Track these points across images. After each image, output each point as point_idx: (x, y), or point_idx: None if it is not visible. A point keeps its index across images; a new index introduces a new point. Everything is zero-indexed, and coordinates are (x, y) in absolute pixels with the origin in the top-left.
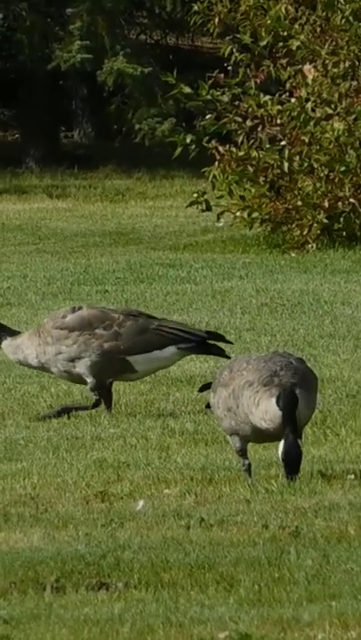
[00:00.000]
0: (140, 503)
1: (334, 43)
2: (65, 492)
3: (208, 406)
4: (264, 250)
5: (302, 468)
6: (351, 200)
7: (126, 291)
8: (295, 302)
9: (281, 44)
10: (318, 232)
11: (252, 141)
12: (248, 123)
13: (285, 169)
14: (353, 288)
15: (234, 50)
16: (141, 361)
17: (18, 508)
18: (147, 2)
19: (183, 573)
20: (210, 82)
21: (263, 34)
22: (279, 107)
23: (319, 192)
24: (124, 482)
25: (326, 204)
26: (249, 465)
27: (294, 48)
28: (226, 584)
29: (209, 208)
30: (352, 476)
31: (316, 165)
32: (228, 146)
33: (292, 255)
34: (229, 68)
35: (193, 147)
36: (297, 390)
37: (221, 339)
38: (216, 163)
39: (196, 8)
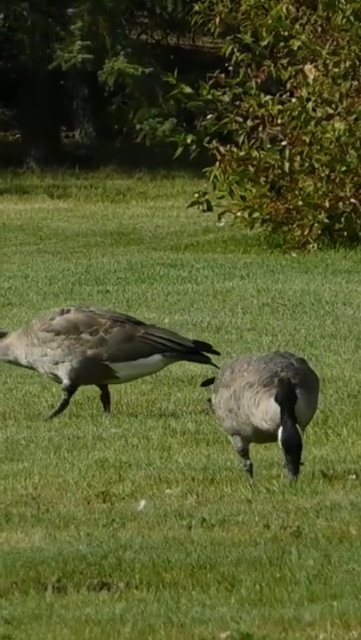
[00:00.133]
0: (142, 503)
1: (335, 42)
2: (66, 492)
3: (209, 401)
4: (265, 250)
5: (304, 468)
6: (352, 200)
7: (128, 291)
8: (296, 302)
9: (282, 43)
10: (319, 232)
11: (252, 141)
12: (249, 123)
13: (286, 169)
14: (354, 288)
15: (235, 50)
16: (125, 367)
17: (19, 508)
18: (148, 2)
19: (185, 573)
20: (211, 82)
21: (264, 34)
22: (280, 107)
23: (320, 192)
24: (126, 482)
25: (327, 204)
26: (250, 465)
27: (295, 48)
28: (227, 584)
29: (210, 208)
30: (354, 476)
31: (316, 165)
32: (228, 146)
33: (294, 255)
34: (230, 67)
35: (194, 147)
36: (297, 390)
37: (209, 349)
38: (217, 163)
39: (196, 8)
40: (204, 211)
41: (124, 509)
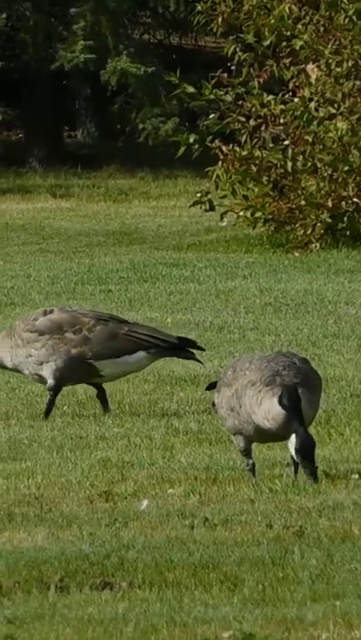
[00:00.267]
0: (144, 503)
1: (338, 42)
2: (69, 491)
3: (213, 404)
4: (267, 249)
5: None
6: (355, 199)
7: (130, 290)
8: (299, 302)
9: (284, 43)
10: (322, 232)
11: (255, 141)
12: (251, 122)
13: (289, 168)
14: (357, 288)
15: (237, 49)
16: (109, 365)
17: (22, 507)
18: (150, 1)
19: (187, 573)
20: (213, 81)
21: (266, 33)
22: (282, 106)
23: (323, 192)
24: (128, 481)
25: (330, 204)
26: (253, 465)
27: (298, 47)
28: (230, 583)
29: (212, 208)
30: (356, 476)
31: (319, 165)
32: (231, 145)
33: (296, 255)
34: (233, 67)
35: (196, 146)
36: (299, 390)
37: (193, 345)
38: (219, 162)
39: (199, 8)
40: (206, 210)
41: (126, 509)
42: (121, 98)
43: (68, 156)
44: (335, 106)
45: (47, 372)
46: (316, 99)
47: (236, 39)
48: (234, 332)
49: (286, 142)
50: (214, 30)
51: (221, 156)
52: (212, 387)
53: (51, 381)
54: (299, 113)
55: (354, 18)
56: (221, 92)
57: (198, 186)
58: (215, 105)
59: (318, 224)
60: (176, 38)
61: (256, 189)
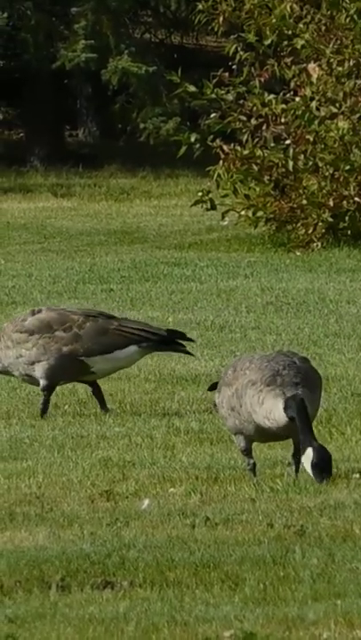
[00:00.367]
0: (146, 502)
1: (339, 41)
2: (70, 490)
3: (215, 404)
4: (269, 249)
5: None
6: (356, 199)
7: (131, 289)
8: (300, 301)
9: (286, 42)
10: (323, 231)
11: (256, 140)
12: (253, 121)
13: (290, 168)
14: (358, 287)
15: (238, 48)
16: (100, 361)
17: (23, 506)
18: (151, 1)
19: (188, 572)
20: (214, 81)
21: (268, 32)
22: (284, 105)
23: (324, 191)
24: (130, 481)
25: (331, 203)
26: (254, 464)
27: (299, 47)
28: (231, 583)
29: (214, 207)
30: (357, 475)
31: (320, 164)
32: (232, 145)
33: (297, 254)
34: (234, 66)
35: (197, 145)
36: (300, 389)
37: (183, 337)
38: (221, 161)
39: (200, 7)
40: (207, 209)
41: (127, 508)
42: (122, 97)
43: (69, 155)
44: (336, 105)
45: (39, 372)
46: (317, 98)
47: (237, 38)
48: (235, 331)
49: (288, 141)
50: (215, 29)
51: (223, 156)
52: (213, 387)
53: (43, 382)
54: (300, 112)
55: (355, 17)
56: (223, 92)
57: (200, 185)
58: (216, 104)
59: (320, 223)
60: (177, 37)
61: (257, 189)
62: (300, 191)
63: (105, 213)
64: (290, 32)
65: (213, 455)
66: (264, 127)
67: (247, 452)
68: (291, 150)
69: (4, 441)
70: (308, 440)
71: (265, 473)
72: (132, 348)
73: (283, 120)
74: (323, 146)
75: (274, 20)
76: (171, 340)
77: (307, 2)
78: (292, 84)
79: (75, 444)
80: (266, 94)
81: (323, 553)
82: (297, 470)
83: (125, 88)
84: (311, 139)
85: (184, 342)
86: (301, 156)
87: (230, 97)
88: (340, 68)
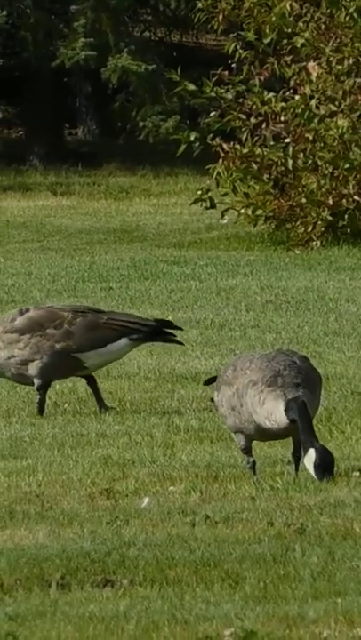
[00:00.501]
0: (145, 500)
1: (339, 40)
2: (70, 489)
3: (212, 400)
4: (268, 247)
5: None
6: (355, 197)
7: (131, 288)
8: (300, 299)
9: (285, 41)
10: (323, 229)
11: (256, 139)
12: (252, 120)
13: (290, 166)
14: (357, 285)
15: (238, 47)
16: (93, 356)
17: (23, 505)
18: None
19: (188, 570)
20: (214, 79)
21: (267, 31)
22: (283, 104)
23: (323, 189)
24: (130, 479)
25: (331, 202)
26: (254, 462)
27: (298, 45)
28: (231, 581)
29: (213, 205)
30: (357, 474)
31: (320, 163)
32: (232, 143)
33: (297, 252)
34: (233, 65)
35: (197, 144)
36: (301, 391)
37: (171, 326)
38: (220, 160)
39: (200, 5)
40: (207, 208)
41: (127, 506)
42: (122, 95)
43: (68, 153)
44: (336, 103)
45: (34, 371)
46: (316, 96)
47: (236, 37)
48: (235, 329)
49: (287, 140)
50: (215, 28)
51: (222, 154)
52: (210, 381)
53: (38, 381)
54: (300, 111)
55: (355, 15)
56: (222, 90)
57: (199, 183)
58: (216, 103)
59: (319, 222)
60: (177, 36)
61: (257, 187)
62: (300, 189)
63: (104, 212)
64: (289, 30)
65: (213, 453)
66: (264, 125)
67: (247, 450)
68: (290, 149)
69: (4, 439)
70: (309, 441)
71: (265, 471)
72: (124, 341)
73: (282, 118)
74: (322, 144)
75: (273, 19)
76: (160, 330)
77: (306, 0)
78: (291, 83)
79: (75, 443)
80: (265, 93)
81: (323, 551)
82: (297, 469)
83: (125, 86)
84: (311, 137)
85: (173, 331)
86: (301, 155)
87: (230, 95)
88: (339, 67)
